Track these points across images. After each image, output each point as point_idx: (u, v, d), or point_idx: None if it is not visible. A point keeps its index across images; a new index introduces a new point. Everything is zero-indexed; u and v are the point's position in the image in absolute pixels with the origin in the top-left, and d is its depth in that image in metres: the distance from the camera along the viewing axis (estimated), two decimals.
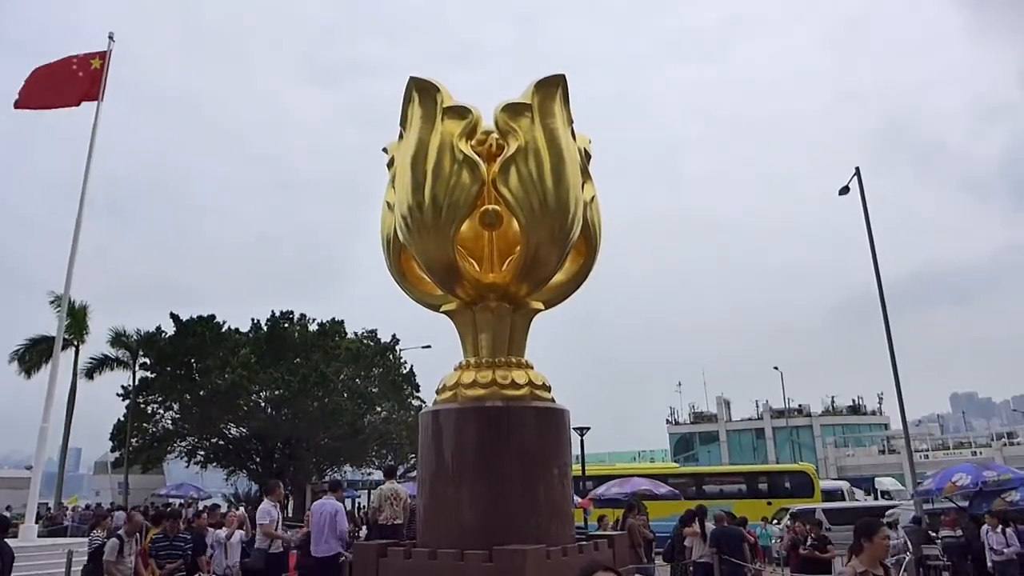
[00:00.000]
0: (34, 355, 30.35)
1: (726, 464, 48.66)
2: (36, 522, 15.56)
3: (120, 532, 8.56)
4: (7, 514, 27.52)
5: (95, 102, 13.54)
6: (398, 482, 11.33)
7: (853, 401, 56.43)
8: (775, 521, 20.10)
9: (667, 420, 60.77)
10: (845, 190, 19.51)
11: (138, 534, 8.85)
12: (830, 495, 26.46)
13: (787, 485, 25.99)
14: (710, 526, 11.69)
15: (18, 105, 12.93)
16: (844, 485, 29.32)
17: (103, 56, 13.69)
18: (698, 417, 60.18)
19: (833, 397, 56.89)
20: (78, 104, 13.19)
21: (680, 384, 63.87)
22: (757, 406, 57.85)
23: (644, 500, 16.80)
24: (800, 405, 56.02)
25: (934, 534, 13.43)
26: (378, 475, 34.16)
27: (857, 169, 19.30)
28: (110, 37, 14.04)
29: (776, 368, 50.76)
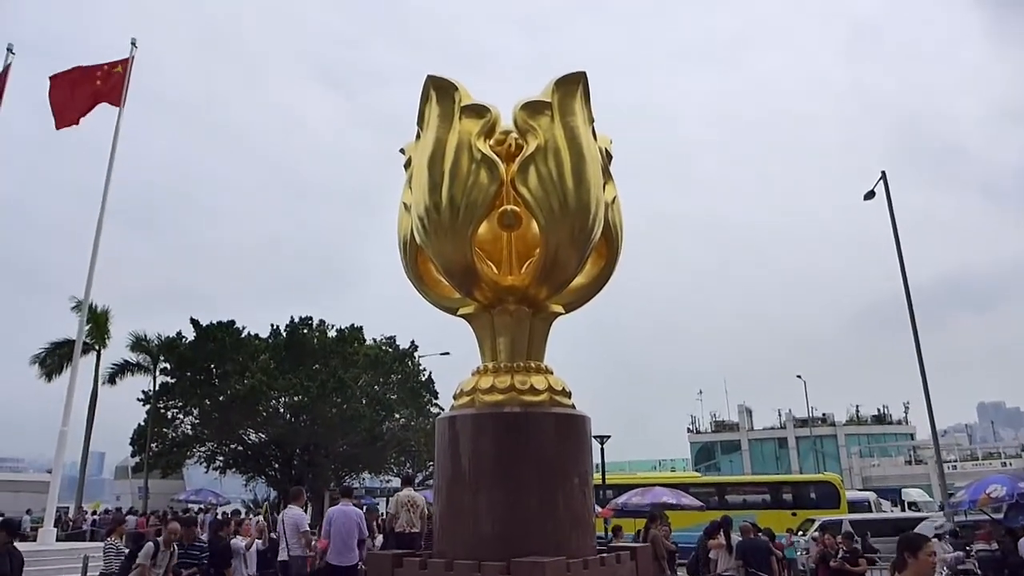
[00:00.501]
0: (55, 359, 30.68)
1: (748, 474, 48.04)
2: (55, 526, 15.59)
3: (157, 540, 8.35)
4: (27, 517, 27.89)
5: (116, 108, 13.60)
6: (416, 490, 11.21)
7: (878, 410, 55.57)
8: (800, 533, 19.70)
9: (688, 428, 60.23)
10: (871, 195, 19.18)
11: (175, 545, 8.41)
12: (856, 506, 25.91)
13: (812, 496, 25.54)
14: (736, 538, 11.41)
15: (59, 126, 13.03)
16: (871, 496, 28.72)
17: (125, 63, 13.74)
18: (719, 426, 59.59)
19: (858, 406, 56.08)
20: (97, 104, 13.22)
21: (701, 392, 63.49)
22: (780, 415, 57.21)
23: (666, 510, 16.52)
24: (824, 414, 55.25)
25: (969, 547, 13.04)
26: (396, 482, 34.08)
27: (883, 173, 18.96)
28: (132, 43, 14.05)
29: (799, 376, 50.11)
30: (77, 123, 13.39)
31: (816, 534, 17.30)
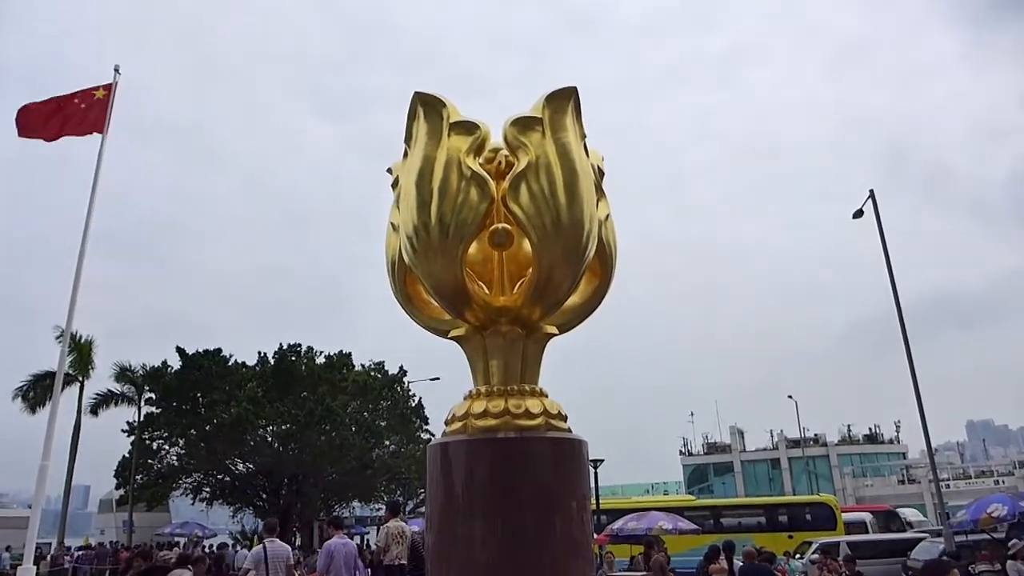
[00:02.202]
0: (38, 391, 30.14)
1: (741, 496, 47.70)
2: (35, 564, 15.09)
3: None
4: (7, 554, 27.12)
5: (99, 135, 13.42)
6: (405, 518, 10.93)
7: (870, 429, 55.47)
8: (798, 556, 19.42)
9: (680, 451, 59.86)
10: (859, 213, 19.25)
11: None
12: (853, 527, 25.66)
13: (808, 517, 25.30)
14: (737, 562, 11.19)
15: (22, 134, 12.85)
16: (867, 517, 28.48)
17: (108, 88, 13.60)
18: (712, 447, 59.30)
19: (849, 426, 56.01)
20: (81, 135, 13.07)
21: (693, 414, 63.15)
22: (772, 436, 56.96)
23: (663, 535, 16.25)
24: (816, 434, 55.12)
25: (972, 568, 12.84)
26: None
27: (871, 192, 19.05)
28: (116, 70, 13.96)
29: (790, 397, 50.06)
30: (50, 138, 13.18)
31: (815, 556, 17.03)
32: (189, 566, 8.36)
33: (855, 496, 47.15)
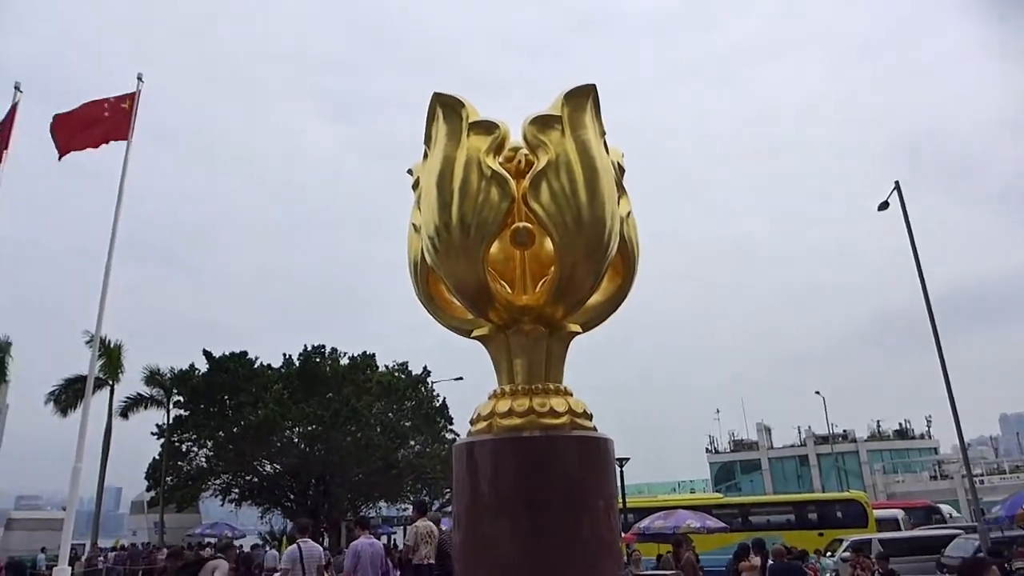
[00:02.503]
0: (70, 395, 30.72)
1: (769, 493, 47.22)
2: (70, 564, 15.38)
3: None
4: (42, 555, 27.67)
5: (124, 142, 13.63)
6: (438, 517, 10.96)
7: (900, 425, 54.61)
8: (828, 553, 19.18)
9: (706, 448, 59.42)
10: (884, 205, 18.94)
11: None
12: (884, 524, 25.28)
13: (839, 514, 24.96)
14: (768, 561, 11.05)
15: (62, 154, 13.08)
16: (899, 513, 28.03)
17: (132, 97, 13.82)
18: (738, 445, 58.76)
19: (879, 421, 55.15)
20: (106, 143, 13.28)
21: (719, 411, 62.65)
22: (799, 432, 56.32)
23: (690, 533, 16.13)
24: (845, 430, 54.36)
25: (1008, 565, 12.58)
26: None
27: (897, 184, 18.74)
28: (139, 78, 14.17)
29: (818, 393, 49.47)
30: (80, 149, 13.39)
31: (846, 554, 16.80)
32: (220, 554, 8.55)
33: (886, 492, 46.46)
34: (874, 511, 25.80)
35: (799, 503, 27.47)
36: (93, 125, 13.17)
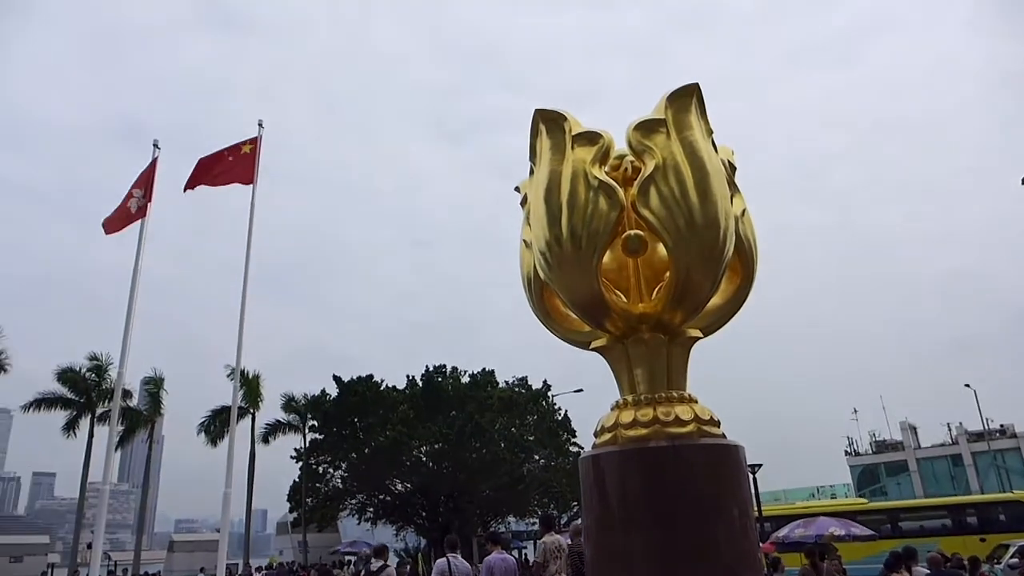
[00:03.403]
0: (217, 425, 33.04)
1: (920, 497, 43.95)
2: None
3: None
4: (201, 575, 29.73)
5: (250, 185, 14.67)
6: (560, 532, 10.92)
7: None
8: (995, 561, 17.60)
9: (845, 451, 56.11)
10: None
11: None
12: None
13: (1001, 517, 22.87)
14: (923, 571, 10.25)
15: (185, 189, 14.48)
16: None
17: (254, 142, 14.88)
18: (881, 446, 55.11)
19: None
20: (227, 184, 14.48)
21: (856, 411, 58.88)
22: (950, 429, 52.12)
23: (834, 542, 15.25)
24: (1002, 425, 49.82)
25: None
26: None
27: None
28: (259, 124, 15.25)
29: (967, 385, 45.66)
30: (210, 185, 14.65)
31: (1013, 560, 15.36)
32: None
33: None
34: None
35: (956, 506, 25.48)
36: (218, 166, 14.44)
